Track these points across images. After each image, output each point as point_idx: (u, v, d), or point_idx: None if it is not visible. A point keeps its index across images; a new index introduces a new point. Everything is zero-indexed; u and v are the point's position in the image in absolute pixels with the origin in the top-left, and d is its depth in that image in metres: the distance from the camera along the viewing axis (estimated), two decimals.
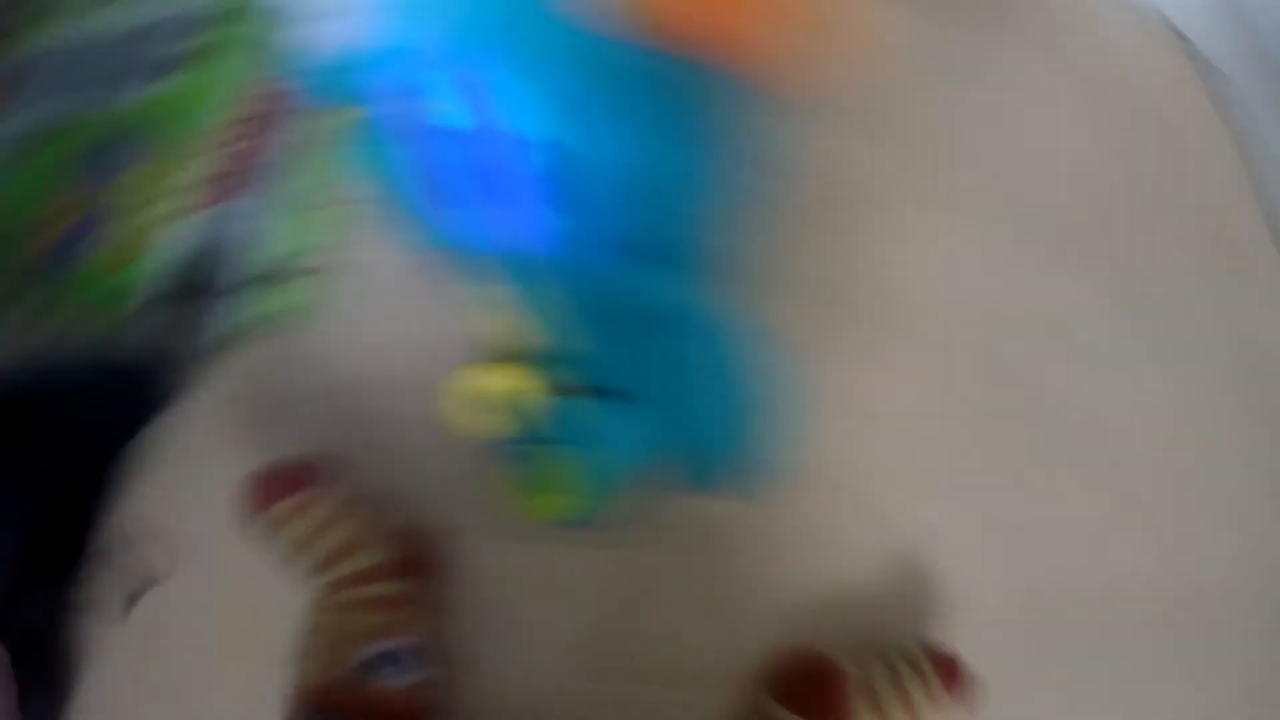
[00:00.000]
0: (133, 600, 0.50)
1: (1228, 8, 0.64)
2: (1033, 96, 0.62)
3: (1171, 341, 0.55)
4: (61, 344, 0.54)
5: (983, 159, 0.59)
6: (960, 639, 0.42)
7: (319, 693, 0.40)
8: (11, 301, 0.59)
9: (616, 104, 0.25)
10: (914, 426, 0.49)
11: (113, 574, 0.51)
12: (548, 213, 0.29)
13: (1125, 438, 0.51)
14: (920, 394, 0.49)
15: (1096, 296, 0.55)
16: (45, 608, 0.49)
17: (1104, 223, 0.58)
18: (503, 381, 0.37)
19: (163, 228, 0.56)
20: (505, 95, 0.28)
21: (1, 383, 0.49)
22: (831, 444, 0.47)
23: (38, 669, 0.48)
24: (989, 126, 0.60)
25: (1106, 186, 0.60)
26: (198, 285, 0.54)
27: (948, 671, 0.40)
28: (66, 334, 0.57)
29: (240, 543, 0.46)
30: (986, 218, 0.57)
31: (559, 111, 0.26)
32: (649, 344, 0.39)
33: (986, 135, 0.60)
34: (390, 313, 0.52)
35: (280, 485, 0.42)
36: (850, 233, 0.54)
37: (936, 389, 0.50)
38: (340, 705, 0.39)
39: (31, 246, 0.60)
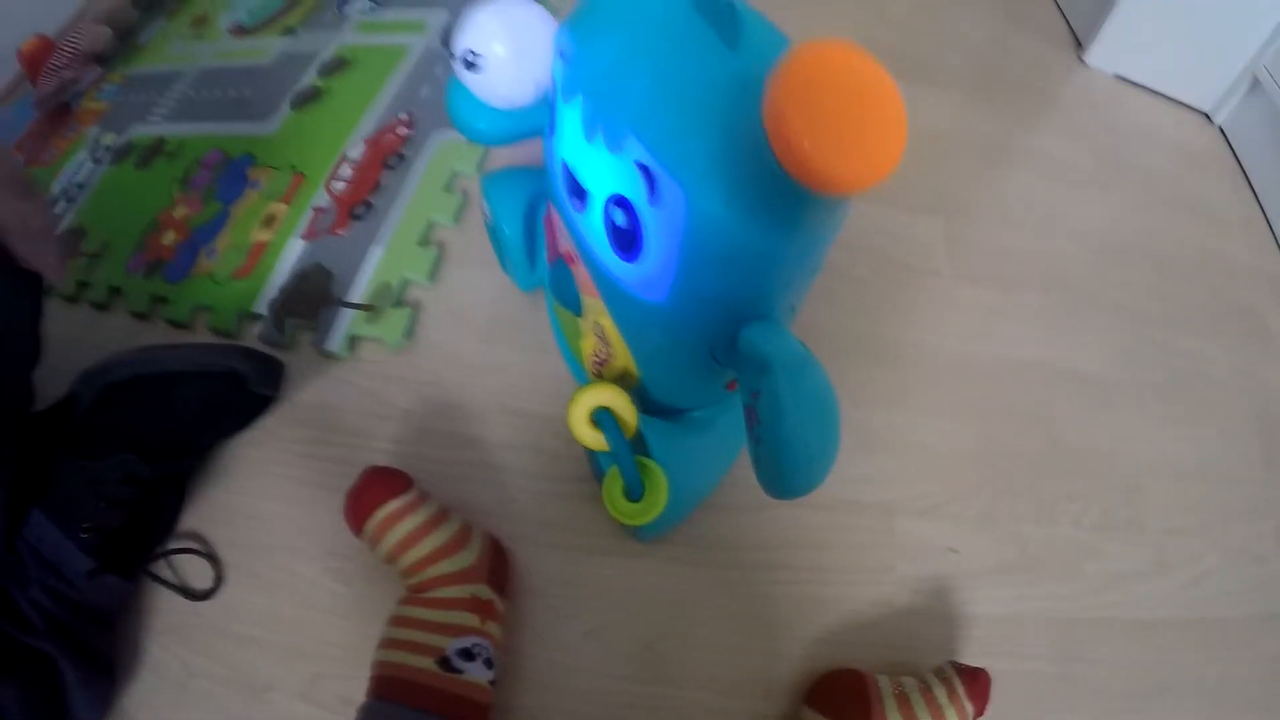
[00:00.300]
0: (197, 596, 0.53)
1: (1259, 98, 0.69)
2: (1069, 176, 0.68)
3: (1189, 397, 0.58)
4: (174, 341, 0.57)
5: (1022, 230, 0.64)
6: (989, 663, 0.44)
7: (404, 681, 0.41)
8: (125, 295, 0.65)
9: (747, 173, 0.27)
10: (951, 464, 0.52)
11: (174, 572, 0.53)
12: (658, 263, 0.32)
13: (1144, 480, 0.54)
14: (958, 435, 0.53)
15: (1118, 354, 0.59)
16: (115, 594, 0.50)
17: (1129, 289, 0.63)
18: (608, 398, 0.42)
19: (273, 249, 0.61)
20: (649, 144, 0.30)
21: (119, 366, 0.51)
22: (875, 476, 0.51)
23: (94, 655, 0.49)
24: (1029, 202, 0.66)
25: (1133, 258, 0.64)
26: (302, 305, 0.58)
27: (974, 683, 0.42)
28: (179, 331, 0.63)
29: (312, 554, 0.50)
30: (1022, 282, 0.62)
31: (703, 172, 0.28)
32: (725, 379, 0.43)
33: (1026, 209, 0.65)
34: (480, 339, 0.56)
35: (379, 491, 0.45)
36: (899, 295, 0.60)
37: (973, 432, 0.54)
38: (424, 693, 0.41)
39: (149, 247, 0.67)
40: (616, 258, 0.35)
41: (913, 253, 0.63)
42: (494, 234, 0.53)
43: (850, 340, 0.57)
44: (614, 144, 0.30)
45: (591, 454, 0.49)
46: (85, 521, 0.49)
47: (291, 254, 0.60)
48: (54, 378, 0.51)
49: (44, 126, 0.86)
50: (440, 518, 0.46)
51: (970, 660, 0.44)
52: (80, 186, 0.75)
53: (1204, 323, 0.63)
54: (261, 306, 0.58)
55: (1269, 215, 0.67)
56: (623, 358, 0.42)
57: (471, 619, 0.43)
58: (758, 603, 0.47)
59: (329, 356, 0.56)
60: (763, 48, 0.29)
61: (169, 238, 0.66)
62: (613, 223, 0.33)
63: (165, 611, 0.54)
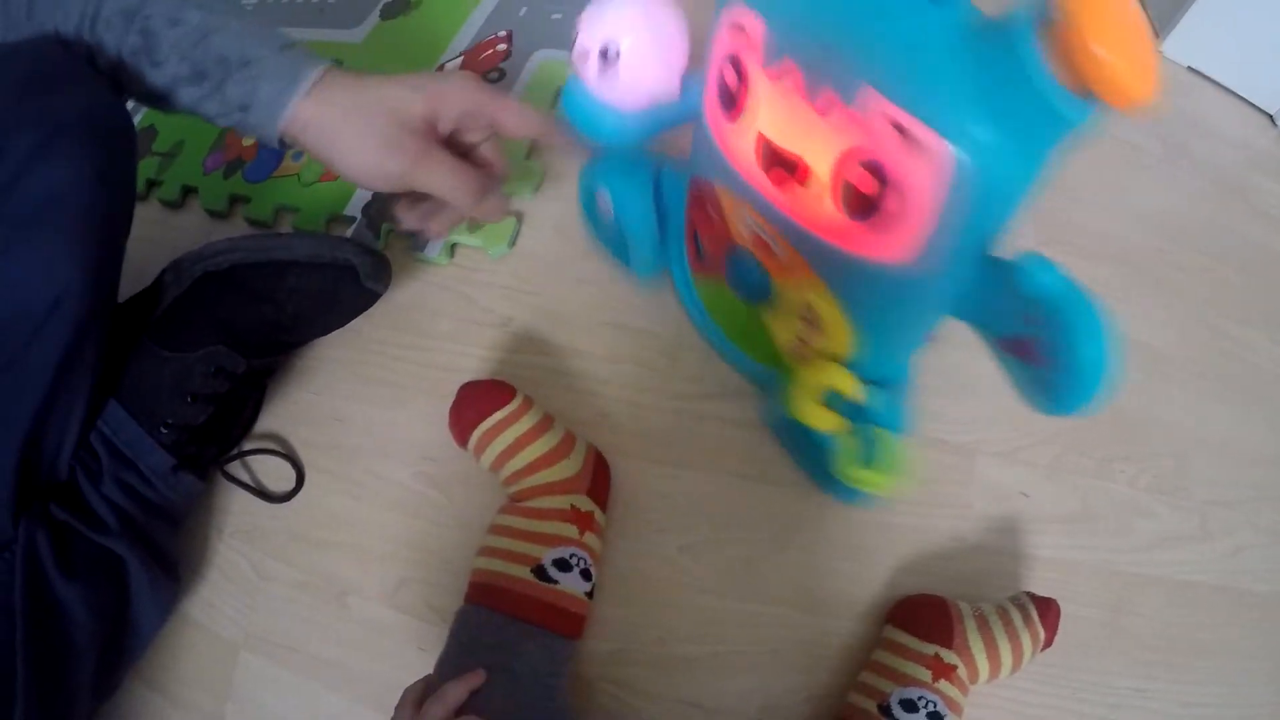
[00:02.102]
0: (276, 498, 0.53)
1: None
2: (1138, 160, 0.70)
3: (1237, 381, 0.61)
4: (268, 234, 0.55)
5: (1092, 207, 0.66)
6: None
7: (499, 589, 0.43)
8: (200, 195, 0.64)
9: None
10: (1026, 414, 0.53)
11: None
12: None
13: (1192, 452, 0.57)
14: None
15: (1175, 333, 0.62)
16: (189, 494, 0.51)
17: (1187, 273, 0.65)
18: (834, 378, 0.42)
19: None
20: None
21: (216, 255, 0.50)
22: (961, 418, 0.53)
23: (163, 557, 0.49)
24: (1100, 181, 0.67)
25: (1193, 244, 0.67)
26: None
27: (1047, 612, 0.44)
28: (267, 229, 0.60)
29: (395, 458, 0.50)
30: (1088, 254, 0.64)
31: None
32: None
33: (1097, 188, 0.67)
34: (583, 254, 0.56)
35: (487, 400, 0.46)
36: None
37: None
38: (518, 601, 0.42)
39: (228, 146, 0.66)
40: (849, 226, 0.33)
41: None
42: (605, 225, 0.52)
43: None
44: (847, 98, 0.29)
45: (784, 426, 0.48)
46: (168, 417, 0.49)
47: None
48: (127, 282, 0.49)
49: None
50: (543, 426, 0.46)
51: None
52: None
53: (1256, 314, 0.66)
54: (353, 209, 0.58)
55: None
56: (836, 334, 0.41)
57: (570, 529, 0.44)
58: (845, 528, 0.49)
59: (426, 262, 0.56)
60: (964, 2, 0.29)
61: (251, 138, 0.65)
62: (850, 188, 0.32)
63: (237, 513, 0.54)
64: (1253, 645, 0.52)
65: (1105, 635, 0.50)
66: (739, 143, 0.36)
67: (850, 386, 0.42)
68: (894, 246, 0.32)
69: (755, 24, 0.32)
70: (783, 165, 0.34)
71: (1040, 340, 0.32)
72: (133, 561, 0.47)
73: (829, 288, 0.38)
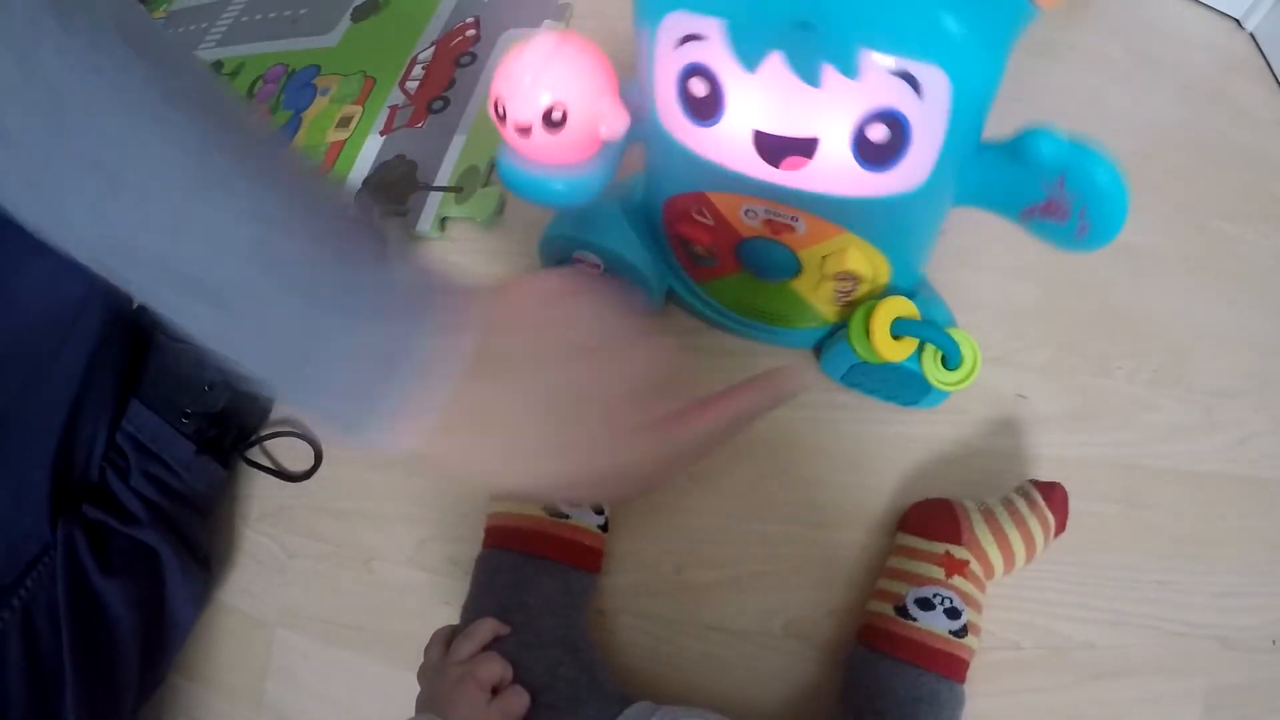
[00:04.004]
0: (296, 477, 0.55)
1: None
2: (1106, 70, 0.71)
3: (1230, 274, 0.61)
4: None
5: (1066, 117, 0.66)
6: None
7: (514, 529, 0.44)
8: None
9: None
10: (1015, 319, 0.55)
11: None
12: None
13: (1191, 344, 0.57)
14: (1019, 295, 0.56)
15: (1163, 232, 0.62)
16: (214, 481, 0.52)
17: (1169, 175, 0.65)
18: (894, 310, 0.43)
19: (352, 145, 0.63)
20: None
21: None
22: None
23: (194, 546, 0.51)
24: (1071, 93, 0.68)
25: (1172, 147, 0.67)
26: (388, 192, 0.60)
27: (1052, 495, 0.45)
28: None
29: None
30: None
31: None
32: None
33: (1068, 100, 0.68)
34: None
35: None
36: None
37: (1032, 292, 0.56)
38: (534, 539, 0.43)
39: None
40: (869, 177, 0.34)
41: None
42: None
43: None
44: (849, 70, 0.30)
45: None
46: (188, 407, 0.51)
47: (371, 149, 0.62)
48: None
49: None
50: None
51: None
52: None
53: (1244, 211, 0.66)
54: (353, 185, 0.60)
55: None
56: (874, 272, 0.42)
57: None
58: (850, 442, 0.50)
59: (419, 238, 0.58)
60: None
61: None
62: (867, 143, 0.33)
63: (260, 498, 0.56)
64: (1277, 533, 0.52)
65: (1123, 530, 0.50)
66: (725, 145, 0.36)
67: (909, 309, 0.43)
68: (913, 177, 0.35)
69: (714, 28, 0.32)
70: (793, 150, 0.34)
71: (1062, 196, 0.34)
72: (165, 551, 0.48)
73: (859, 234, 0.39)
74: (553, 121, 0.36)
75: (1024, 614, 0.47)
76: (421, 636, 0.43)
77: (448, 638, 0.41)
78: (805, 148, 0.34)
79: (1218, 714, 0.47)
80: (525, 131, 0.36)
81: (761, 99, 0.33)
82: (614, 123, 0.37)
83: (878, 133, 0.32)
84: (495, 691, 0.37)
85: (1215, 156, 0.68)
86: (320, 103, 0.67)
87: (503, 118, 0.37)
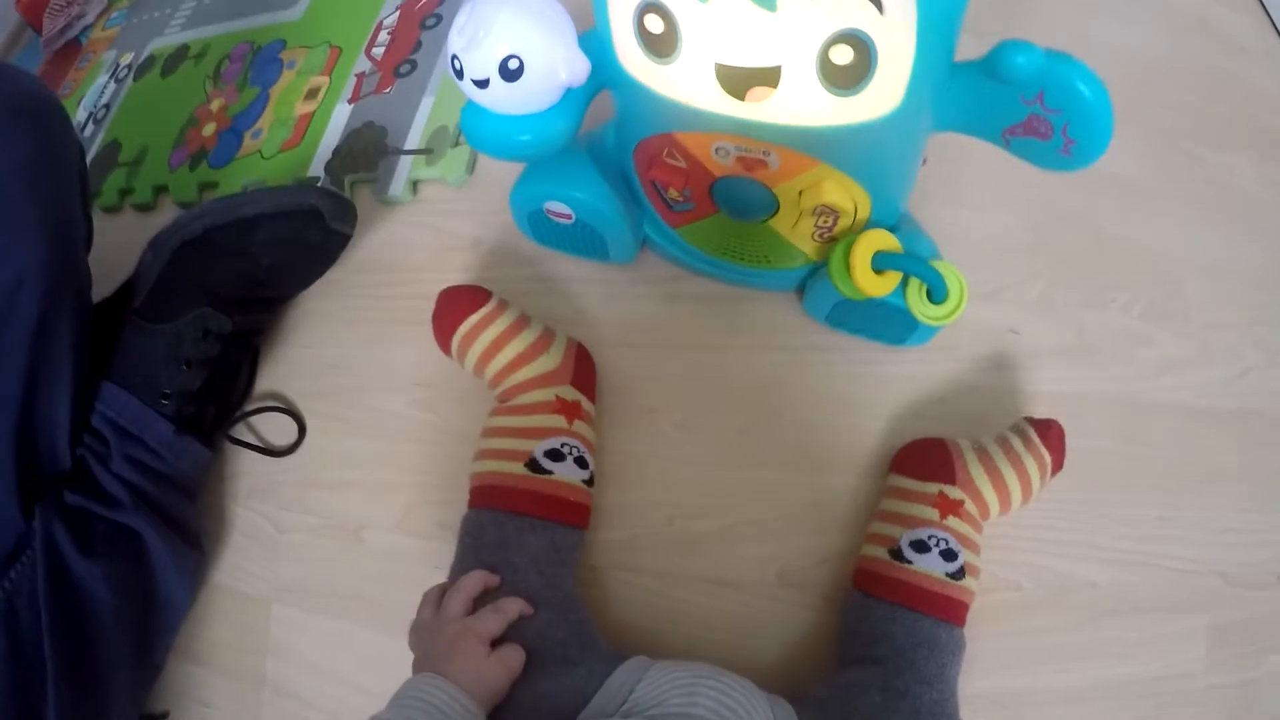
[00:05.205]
0: (281, 452, 0.54)
1: None
2: (1089, 4, 0.69)
3: (1222, 204, 0.60)
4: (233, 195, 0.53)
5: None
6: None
7: (496, 488, 0.43)
8: (171, 190, 0.65)
9: None
10: (1005, 255, 0.54)
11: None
12: None
13: (1185, 276, 0.56)
14: (1009, 231, 0.55)
15: (1152, 164, 0.60)
16: (197, 461, 0.52)
17: (1157, 106, 0.63)
18: (874, 243, 0.41)
19: (320, 116, 0.61)
20: None
21: (190, 221, 0.50)
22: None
23: (181, 528, 0.50)
24: (1053, 25, 0.66)
25: (1159, 77, 0.65)
26: (359, 160, 0.59)
27: (1048, 433, 0.43)
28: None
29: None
30: None
31: None
32: None
33: (1052, 34, 0.66)
34: None
35: (463, 304, 0.46)
36: None
37: (1023, 226, 0.55)
38: (516, 496, 0.42)
39: (189, 141, 0.67)
40: (840, 103, 0.34)
41: None
42: (564, 231, 0.50)
43: None
44: None
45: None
46: (165, 387, 0.50)
47: (340, 118, 0.61)
48: (109, 286, 0.52)
49: (55, 66, 0.86)
50: (520, 324, 0.47)
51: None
52: (106, 107, 0.75)
53: (1231, 139, 0.64)
54: (316, 169, 0.59)
55: None
56: (852, 205, 0.41)
57: (557, 420, 0.45)
58: (838, 383, 0.49)
59: (391, 203, 0.57)
60: None
61: (209, 129, 0.66)
62: (834, 67, 0.32)
63: (248, 475, 0.55)
64: (1277, 467, 0.51)
65: (1122, 466, 0.49)
66: (688, 82, 0.35)
67: (891, 241, 0.42)
68: (885, 101, 0.34)
69: None
70: (758, 80, 0.33)
71: (1043, 111, 0.33)
72: (149, 533, 0.48)
73: (836, 166, 0.38)
74: (510, 72, 0.35)
75: (1024, 554, 0.46)
76: (415, 602, 0.42)
77: (438, 597, 0.41)
78: (769, 77, 0.33)
79: (1221, 650, 0.46)
80: (484, 85, 0.36)
81: (719, 30, 0.32)
82: (573, 68, 0.37)
83: (843, 55, 0.31)
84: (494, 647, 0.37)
85: (1203, 87, 0.67)
86: (287, 76, 0.65)
87: (460, 73, 0.37)
